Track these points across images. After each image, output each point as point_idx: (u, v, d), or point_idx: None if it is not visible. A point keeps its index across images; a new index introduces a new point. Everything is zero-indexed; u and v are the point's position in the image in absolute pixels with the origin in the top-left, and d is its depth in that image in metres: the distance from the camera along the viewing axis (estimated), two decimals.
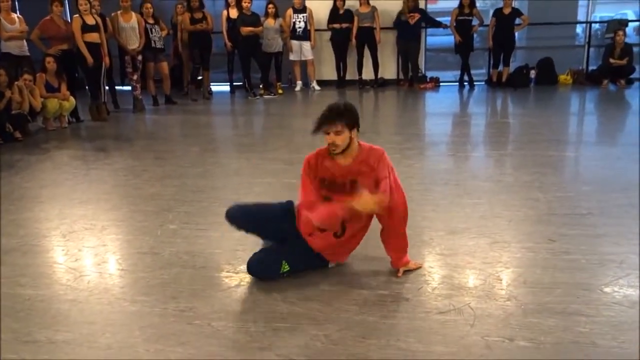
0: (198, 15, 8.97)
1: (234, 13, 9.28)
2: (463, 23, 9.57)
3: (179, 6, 9.26)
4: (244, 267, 2.96)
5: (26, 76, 6.42)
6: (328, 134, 2.67)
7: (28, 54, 7.47)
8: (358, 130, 2.72)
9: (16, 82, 6.33)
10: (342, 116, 2.65)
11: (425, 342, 2.25)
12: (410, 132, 6.62)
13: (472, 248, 3.12)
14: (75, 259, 3.17)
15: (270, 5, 9.35)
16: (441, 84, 10.25)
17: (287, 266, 2.79)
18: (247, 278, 2.85)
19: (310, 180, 2.79)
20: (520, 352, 2.16)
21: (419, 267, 2.88)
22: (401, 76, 10.23)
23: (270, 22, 9.33)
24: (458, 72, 10.05)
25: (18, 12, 8.38)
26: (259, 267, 2.81)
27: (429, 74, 10.35)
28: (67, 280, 2.91)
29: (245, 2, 9.05)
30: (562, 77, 10.06)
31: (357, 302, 2.58)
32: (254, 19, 9.16)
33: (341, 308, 2.53)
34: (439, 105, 8.76)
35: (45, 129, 6.96)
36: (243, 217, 2.93)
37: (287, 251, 2.84)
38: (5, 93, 6.12)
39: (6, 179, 4.85)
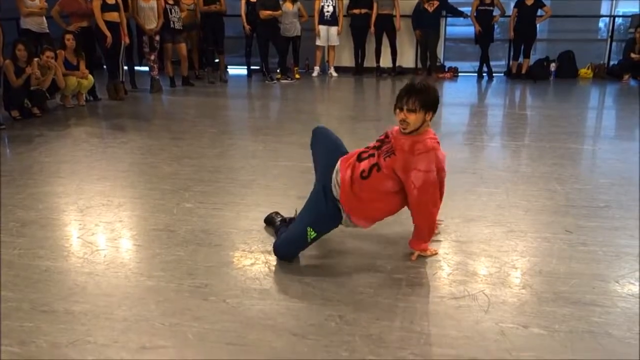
0: None
1: None
2: (484, 13, 9.45)
3: None
4: (258, 246, 2.99)
5: (48, 53, 6.44)
6: (402, 110, 2.60)
7: (47, 31, 7.49)
8: (434, 114, 2.64)
9: (35, 59, 6.36)
10: (419, 94, 2.57)
11: (439, 326, 2.25)
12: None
13: (487, 236, 3.11)
14: (92, 233, 3.20)
15: None
16: (459, 74, 10.17)
17: (313, 232, 2.74)
18: (262, 257, 2.87)
19: None
20: (534, 339, 2.16)
21: (434, 254, 2.88)
22: (419, 65, 10.15)
23: (288, 6, 9.29)
24: (477, 63, 9.94)
25: None
26: (285, 246, 2.79)
27: (448, 64, 10.28)
28: (84, 253, 2.95)
29: None
30: (582, 71, 9.94)
31: (372, 285, 2.58)
32: (273, 3, 9.12)
33: (356, 290, 2.54)
34: (457, 95, 8.69)
35: (64, 106, 7.01)
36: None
37: (308, 211, 2.81)
38: (25, 69, 6.15)
39: (25, 153, 4.90)
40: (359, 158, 2.77)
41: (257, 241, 3.05)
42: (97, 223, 3.35)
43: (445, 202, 3.62)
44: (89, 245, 3.04)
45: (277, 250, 2.81)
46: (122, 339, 2.18)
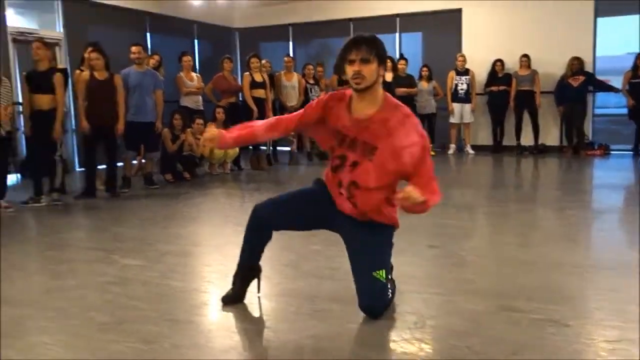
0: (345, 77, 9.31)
1: (389, 77, 9.52)
2: (637, 86, 8.83)
3: (320, 68, 9.31)
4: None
5: (199, 121, 7.05)
6: (352, 62, 2.23)
7: (202, 108, 8.22)
8: (386, 69, 2.32)
9: (189, 129, 6.97)
10: (371, 43, 2.23)
11: None
12: (573, 199, 6.09)
13: None
14: (221, 263, 3.27)
15: (425, 68, 9.47)
16: (612, 152, 9.42)
17: (382, 273, 2.36)
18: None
19: (306, 116, 2.43)
20: None
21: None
22: (564, 142, 9.61)
23: (423, 85, 9.42)
24: (632, 144, 9.14)
25: (198, 71, 9.36)
26: (379, 300, 2.37)
27: (597, 142, 9.61)
28: (214, 278, 3.02)
29: (400, 64, 9.28)
30: None
31: (507, 322, 2.32)
32: (409, 81, 9.32)
33: (488, 326, 2.29)
34: (609, 173, 7.95)
35: (210, 173, 7.52)
36: (275, 212, 2.61)
37: (363, 250, 2.39)
38: (179, 136, 6.76)
39: (170, 205, 5.25)
40: (340, 184, 2.41)
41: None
42: (227, 256, 3.42)
43: (594, 255, 3.28)
44: (218, 271, 3.11)
45: (373, 312, 2.37)
46: (239, 348, 2.14)
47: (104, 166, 5.83)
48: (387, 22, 10.36)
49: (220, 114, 7.52)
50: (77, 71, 6.23)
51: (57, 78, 5.30)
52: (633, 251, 3.35)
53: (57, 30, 8.02)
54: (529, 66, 9.33)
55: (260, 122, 2.62)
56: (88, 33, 8.10)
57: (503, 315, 2.41)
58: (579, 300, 2.60)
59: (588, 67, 9.21)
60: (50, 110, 5.24)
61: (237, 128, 2.60)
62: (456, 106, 9.60)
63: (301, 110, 2.53)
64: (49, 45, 5.80)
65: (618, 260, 3.18)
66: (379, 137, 2.27)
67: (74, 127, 7.52)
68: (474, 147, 9.90)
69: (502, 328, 2.27)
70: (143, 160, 6.82)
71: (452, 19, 10.04)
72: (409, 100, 9.35)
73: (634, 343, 2.10)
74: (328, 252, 3.48)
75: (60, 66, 6.60)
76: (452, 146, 9.99)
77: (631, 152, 9.14)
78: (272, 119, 2.66)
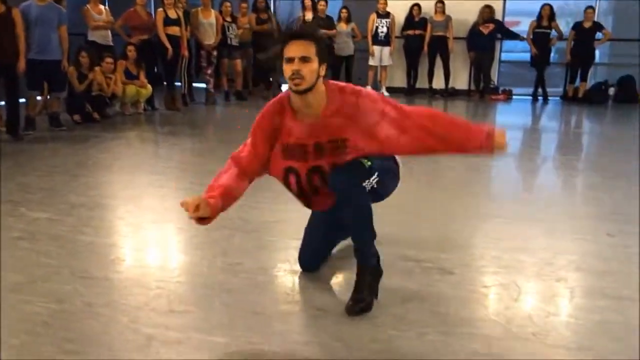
0: (263, 15, 9.19)
1: (308, 16, 9.46)
2: (541, 35, 9.33)
3: (244, 5, 9.31)
4: (293, 233, 3.01)
5: (108, 59, 6.78)
6: (291, 61, 2.00)
7: (112, 44, 7.85)
8: (328, 68, 2.13)
9: (97, 67, 6.69)
10: (313, 38, 2.02)
11: (467, 309, 2.22)
12: None
13: (525, 235, 3.04)
14: (136, 216, 3.33)
15: (344, 10, 9.49)
16: (514, 96, 10.01)
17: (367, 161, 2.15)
18: (295, 243, 2.88)
19: (259, 142, 2.22)
20: (564, 326, 2.10)
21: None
22: (472, 87, 10.08)
23: (342, 26, 9.46)
24: (532, 89, 9.77)
25: (107, 3, 8.88)
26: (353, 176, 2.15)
27: (502, 87, 10.15)
28: (127, 232, 3.08)
29: (320, 5, 9.23)
30: None
31: (400, 272, 2.57)
32: (327, 22, 9.31)
33: (384, 275, 2.53)
34: (510, 116, 8.54)
35: (122, 113, 7.32)
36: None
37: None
38: (87, 75, 6.50)
39: (81, 150, 5.13)
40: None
41: (293, 229, 3.08)
42: (142, 208, 3.48)
43: (487, 204, 3.62)
44: (131, 225, 3.17)
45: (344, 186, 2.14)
46: (153, 303, 2.25)
47: (2, 103, 5.49)
48: None
49: (131, 51, 7.25)
50: None
51: None
52: (522, 198, 3.73)
53: None
54: (443, 12, 9.57)
55: (225, 179, 2.40)
56: None
57: (398, 264, 2.65)
58: (466, 249, 2.88)
59: (498, 15, 9.60)
60: None
61: (210, 196, 2.31)
62: (376, 49, 9.75)
63: (248, 148, 2.29)
64: None
65: (508, 209, 3.52)
66: (343, 127, 2.10)
67: None
68: (388, 89, 10.16)
69: (396, 276, 2.51)
70: (48, 97, 6.48)
71: None
72: (328, 43, 9.38)
73: (506, 287, 2.41)
74: (240, 202, 3.58)
75: None
76: (369, 87, 10.15)
77: (530, 97, 9.78)
78: (232, 170, 2.41)
